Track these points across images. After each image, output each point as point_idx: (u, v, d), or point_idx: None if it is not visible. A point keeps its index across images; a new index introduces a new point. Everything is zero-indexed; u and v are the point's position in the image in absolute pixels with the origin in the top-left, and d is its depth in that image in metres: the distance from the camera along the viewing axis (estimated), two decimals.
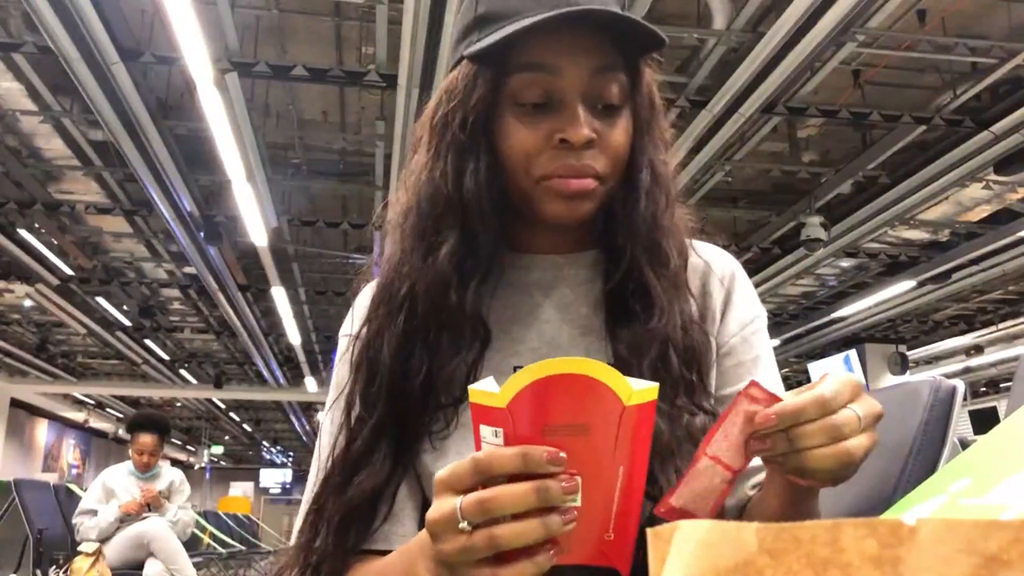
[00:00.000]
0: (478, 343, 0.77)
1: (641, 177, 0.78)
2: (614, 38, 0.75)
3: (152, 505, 4.30)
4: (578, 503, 0.51)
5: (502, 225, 0.78)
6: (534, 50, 0.74)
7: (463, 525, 0.51)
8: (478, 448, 0.53)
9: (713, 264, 0.85)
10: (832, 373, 0.58)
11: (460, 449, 0.76)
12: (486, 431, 0.53)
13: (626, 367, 0.75)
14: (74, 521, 4.28)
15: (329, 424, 0.81)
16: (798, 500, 0.63)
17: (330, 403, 0.83)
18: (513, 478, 0.51)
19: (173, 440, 23.72)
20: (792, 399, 0.56)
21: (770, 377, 0.83)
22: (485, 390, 0.52)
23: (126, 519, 4.23)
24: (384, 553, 0.72)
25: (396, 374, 0.76)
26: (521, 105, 0.75)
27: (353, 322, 0.85)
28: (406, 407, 0.76)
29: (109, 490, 4.33)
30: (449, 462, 0.74)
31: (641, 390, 0.52)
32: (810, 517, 0.65)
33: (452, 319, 0.76)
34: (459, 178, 0.76)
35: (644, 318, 0.76)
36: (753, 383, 0.57)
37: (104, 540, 4.14)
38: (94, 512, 4.23)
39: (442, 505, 0.52)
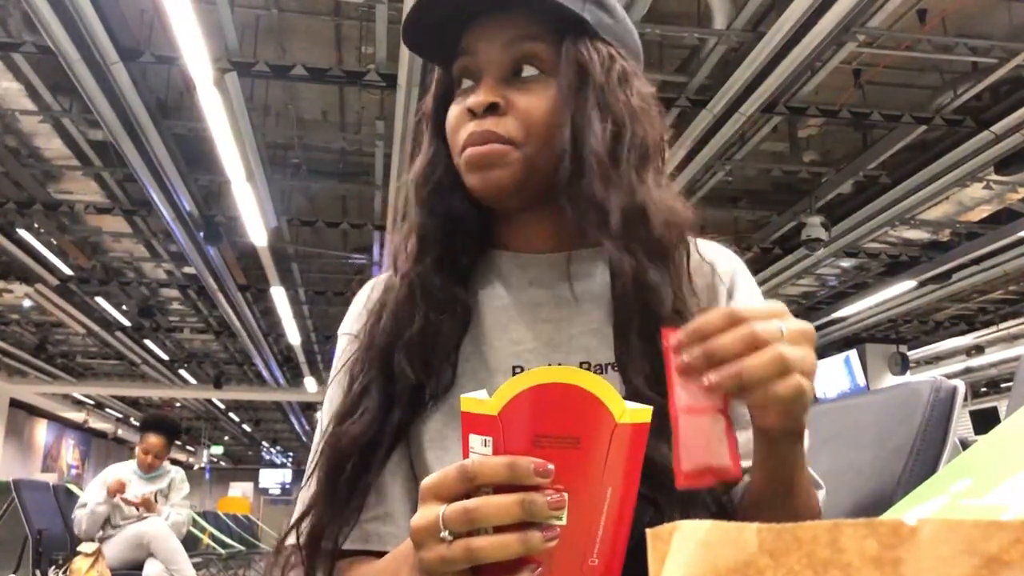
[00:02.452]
0: (459, 326, 0.80)
1: (558, 138, 0.76)
2: (542, 17, 0.78)
3: (143, 508, 4.28)
4: (563, 521, 0.49)
5: (456, 213, 0.81)
6: (464, 38, 0.81)
7: (444, 534, 0.50)
8: (466, 457, 0.52)
9: (716, 264, 0.84)
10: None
11: (452, 446, 0.76)
12: (475, 440, 0.52)
13: (628, 365, 0.75)
14: (73, 515, 4.29)
15: (328, 422, 0.82)
16: (776, 461, 0.64)
17: (328, 402, 0.84)
18: (500, 490, 0.50)
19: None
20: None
21: None
22: (476, 398, 0.51)
23: (120, 522, 4.23)
24: (379, 554, 0.72)
25: (391, 335, 0.79)
26: (457, 90, 0.82)
27: (352, 319, 0.87)
28: (396, 369, 0.78)
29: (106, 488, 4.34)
30: (443, 461, 0.74)
31: (635, 410, 0.51)
32: (793, 474, 0.65)
33: (432, 302, 0.79)
34: (414, 167, 0.85)
35: (645, 313, 0.75)
36: (665, 331, 0.56)
37: (104, 540, 4.14)
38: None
39: (426, 512, 0.52)
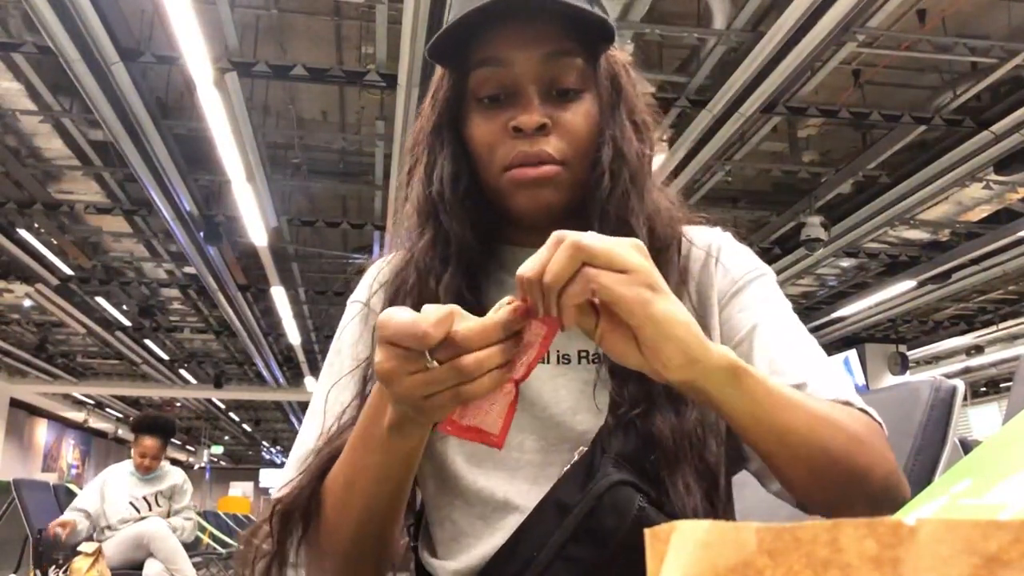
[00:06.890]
0: None
1: (601, 156, 0.78)
2: (568, 25, 0.76)
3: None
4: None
5: (479, 219, 0.80)
6: (488, 45, 0.77)
7: (431, 364, 0.54)
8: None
9: (705, 246, 0.85)
10: None
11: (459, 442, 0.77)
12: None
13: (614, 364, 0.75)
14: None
15: (330, 391, 0.82)
16: (725, 410, 0.61)
17: (328, 365, 0.85)
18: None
19: (173, 440, 23.68)
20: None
21: (774, 336, 0.77)
22: None
23: (119, 524, 4.23)
24: None
25: None
26: (481, 100, 0.78)
27: (364, 290, 0.88)
28: None
29: (104, 491, 4.33)
30: (451, 452, 0.77)
31: None
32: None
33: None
34: (429, 176, 0.81)
35: None
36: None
37: (104, 540, 4.14)
38: (86, 512, 4.24)
39: (391, 352, 0.55)
